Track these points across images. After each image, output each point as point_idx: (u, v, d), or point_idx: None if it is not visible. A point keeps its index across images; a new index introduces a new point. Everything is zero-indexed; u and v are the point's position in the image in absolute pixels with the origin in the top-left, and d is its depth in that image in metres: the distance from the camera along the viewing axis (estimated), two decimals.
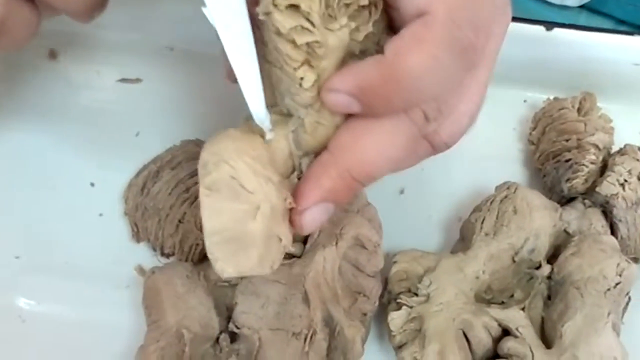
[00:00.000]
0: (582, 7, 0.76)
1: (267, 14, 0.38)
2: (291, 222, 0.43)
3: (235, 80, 0.42)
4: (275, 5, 0.38)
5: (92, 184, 0.63)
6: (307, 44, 0.39)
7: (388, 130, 0.42)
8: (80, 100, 0.66)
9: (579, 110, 0.64)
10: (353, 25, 0.41)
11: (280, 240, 0.42)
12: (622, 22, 0.76)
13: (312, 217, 0.43)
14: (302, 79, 0.40)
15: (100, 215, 0.62)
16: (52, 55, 0.68)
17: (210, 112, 0.61)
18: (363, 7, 0.40)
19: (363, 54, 0.42)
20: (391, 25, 0.43)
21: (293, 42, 0.39)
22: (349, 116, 0.42)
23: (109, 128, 0.65)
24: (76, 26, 0.63)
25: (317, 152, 0.44)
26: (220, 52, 0.40)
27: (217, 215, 0.40)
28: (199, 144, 0.62)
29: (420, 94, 0.40)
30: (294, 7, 0.38)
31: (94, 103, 0.66)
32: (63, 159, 0.64)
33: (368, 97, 0.40)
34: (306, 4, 0.38)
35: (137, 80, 0.68)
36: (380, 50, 0.41)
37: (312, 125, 0.43)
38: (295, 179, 0.44)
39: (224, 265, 0.41)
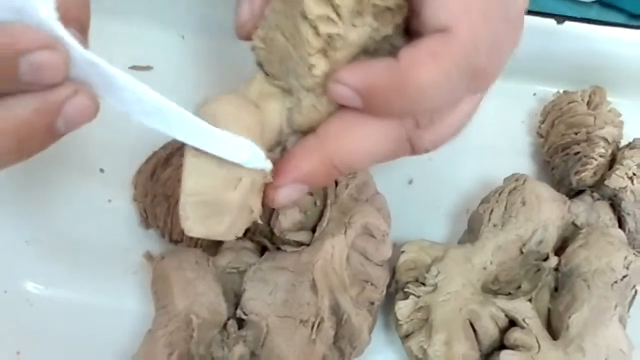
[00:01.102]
0: (593, 1, 0.76)
1: None
2: (265, 194, 0.44)
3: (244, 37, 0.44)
4: None
5: (102, 170, 0.63)
6: (329, 34, 0.40)
7: (377, 128, 0.43)
8: None
9: (588, 103, 0.64)
10: (375, 25, 0.41)
11: (252, 211, 0.43)
12: (634, 16, 0.75)
13: (286, 195, 0.44)
14: (313, 65, 0.41)
15: (109, 201, 0.62)
16: None
17: None
18: (388, 9, 0.41)
19: (375, 52, 0.43)
20: (407, 28, 0.43)
21: (316, 29, 0.40)
22: (342, 106, 0.43)
23: (119, 114, 0.65)
24: None
25: (304, 133, 0.45)
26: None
27: (199, 177, 0.40)
28: None
29: (422, 106, 0.41)
30: None
31: None
32: (73, 144, 0.63)
33: (372, 98, 0.41)
34: None
35: (148, 67, 0.68)
36: (393, 51, 0.42)
37: (308, 108, 0.44)
38: (278, 153, 0.45)
39: (193, 225, 0.41)
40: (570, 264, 0.54)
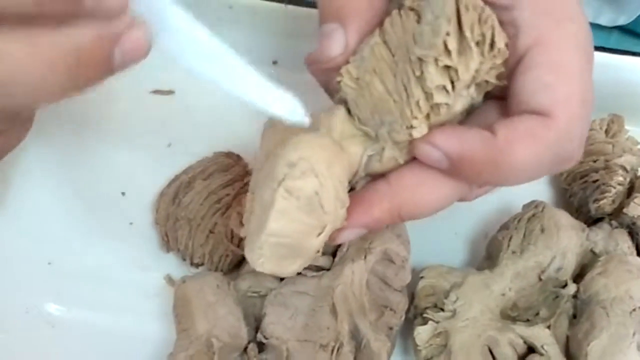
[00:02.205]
0: (614, 27, 0.76)
1: (422, 61, 0.39)
2: None
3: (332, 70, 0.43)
4: (436, 60, 0.39)
5: (123, 193, 0.64)
6: (438, 103, 0.40)
7: (449, 187, 0.43)
8: (113, 111, 0.67)
9: (606, 132, 0.64)
10: (475, 95, 0.42)
11: (318, 251, 0.43)
12: None
13: (349, 236, 0.45)
14: (414, 127, 0.41)
15: (131, 224, 0.63)
16: None
17: (241, 124, 0.62)
18: (486, 81, 0.41)
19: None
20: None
21: (429, 95, 0.40)
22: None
23: (141, 138, 0.66)
24: None
25: (374, 177, 0.45)
26: None
27: (285, 220, 0.40)
28: (230, 156, 0.62)
29: (508, 182, 0.42)
30: (448, 68, 0.39)
31: (127, 114, 0.67)
32: (95, 168, 0.64)
33: (462, 166, 0.41)
34: (462, 72, 0.39)
35: (170, 92, 0.68)
36: (471, 110, 0.43)
37: (389, 159, 0.44)
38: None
39: (266, 263, 0.42)
40: (588, 292, 0.54)
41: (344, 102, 0.44)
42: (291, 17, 0.66)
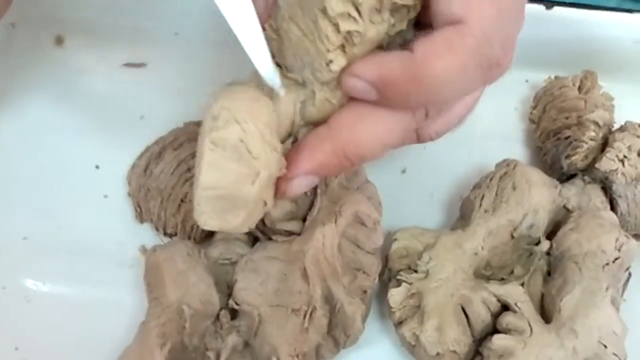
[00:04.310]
0: None
1: None
2: (276, 185, 0.44)
3: None
4: None
5: (97, 167, 0.64)
6: (348, 31, 0.40)
7: (389, 119, 0.43)
8: (86, 85, 0.67)
9: (579, 88, 0.63)
10: (392, 21, 0.42)
11: (265, 204, 0.43)
12: None
13: (298, 186, 0.44)
14: (331, 61, 0.42)
15: (105, 196, 0.63)
16: (59, 41, 0.68)
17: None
18: (404, 5, 0.41)
19: (388, 46, 0.44)
20: (417, 21, 0.44)
21: (336, 25, 0.40)
22: (354, 97, 0.43)
23: (114, 111, 0.66)
24: (82, 12, 0.64)
25: (315, 125, 0.45)
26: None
27: (216, 172, 0.41)
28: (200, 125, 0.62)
29: (438, 98, 0.42)
30: None
31: (100, 87, 0.67)
32: (69, 142, 0.64)
33: (387, 90, 0.41)
34: None
35: (142, 64, 0.68)
36: (404, 45, 0.42)
37: (322, 101, 0.44)
38: (289, 144, 0.46)
39: (209, 219, 0.42)
40: (561, 247, 0.54)
41: (272, 56, 0.45)
42: None
